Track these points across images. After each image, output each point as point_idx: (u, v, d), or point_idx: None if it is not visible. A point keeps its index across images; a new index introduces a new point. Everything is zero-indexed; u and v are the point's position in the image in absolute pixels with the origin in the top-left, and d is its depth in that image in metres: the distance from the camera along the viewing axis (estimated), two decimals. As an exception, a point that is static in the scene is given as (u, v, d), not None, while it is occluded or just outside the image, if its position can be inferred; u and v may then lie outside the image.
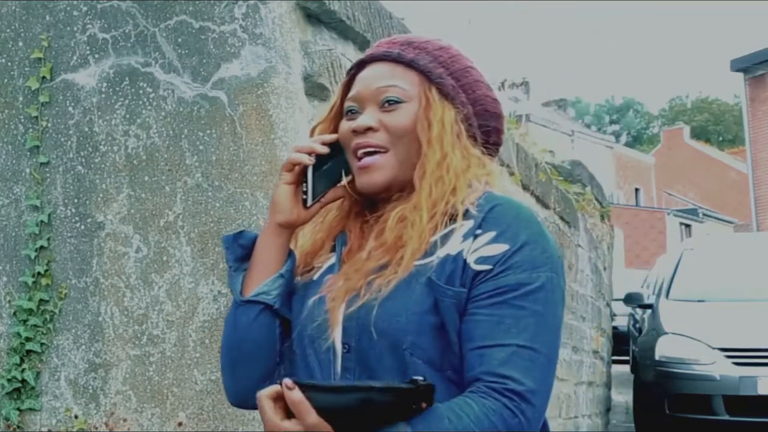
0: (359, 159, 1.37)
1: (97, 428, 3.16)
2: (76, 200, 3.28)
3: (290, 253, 1.42)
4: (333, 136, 1.42)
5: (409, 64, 1.39)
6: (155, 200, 3.18)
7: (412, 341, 1.26)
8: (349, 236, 1.41)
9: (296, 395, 1.15)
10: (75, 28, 3.33)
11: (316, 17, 3.33)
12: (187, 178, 3.15)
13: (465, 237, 1.29)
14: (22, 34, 3.40)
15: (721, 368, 6.73)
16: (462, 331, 1.26)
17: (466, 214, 1.31)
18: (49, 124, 3.34)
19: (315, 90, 3.27)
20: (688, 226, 29.87)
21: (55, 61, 3.35)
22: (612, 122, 67.08)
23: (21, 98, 3.38)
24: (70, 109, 3.31)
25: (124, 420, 3.14)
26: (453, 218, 1.32)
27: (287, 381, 1.16)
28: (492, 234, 1.28)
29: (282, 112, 3.10)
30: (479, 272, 1.26)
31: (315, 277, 1.41)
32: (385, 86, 1.38)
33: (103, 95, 3.27)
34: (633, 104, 68.42)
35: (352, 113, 1.40)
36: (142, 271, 3.18)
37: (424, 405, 1.18)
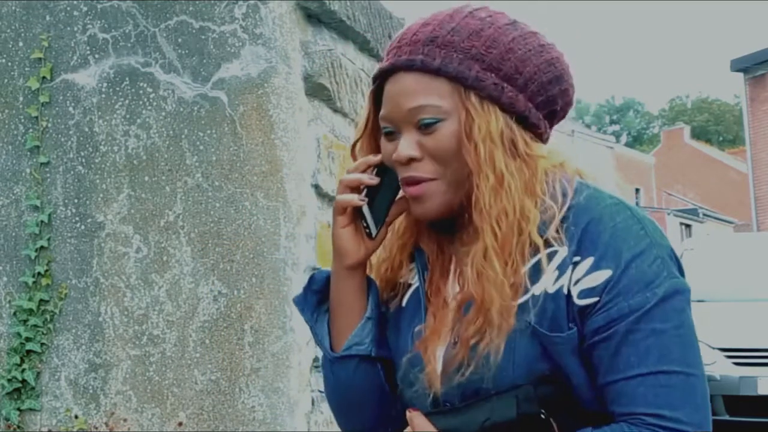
0: (407, 185, 1.22)
1: (97, 428, 3.16)
2: (76, 200, 3.28)
3: (370, 285, 1.30)
4: (377, 158, 1.26)
5: (437, 73, 1.19)
6: (155, 200, 3.18)
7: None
8: (427, 259, 1.28)
9: (416, 416, 1.15)
10: (75, 28, 3.33)
11: (316, 17, 3.34)
12: (187, 178, 3.15)
13: (561, 269, 1.13)
14: (22, 34, 3.41)
15: (721, 368, 6.72)
16: (592, 369, 1.13)
17: (548, 243, 1.15)
18: (49, 124, 3.34)
19: (315, 90, 3.27)
20: (688, 226, 29.86)
21: (55, 61, 3.35)
22: (612, 122, 67.10)
23: (21, 98, 3.38)
24: (70, 109, 3.31)
25: (124, 420, 3.14)
26: (536, 247, 1.15)
27: (409, 409, 1.16)
28: (590, 260, 1.12)
29: (282, 112, 3.10)
30: (585, 307, 1.11)
31: (403, 304, 1.30)
32: (416, 107, 1.19)
33: (103, 95, 3.27)
34: (633, 104, 68.44)
35: (390, 134, 1.23)
36: (142, 271, 3.18)
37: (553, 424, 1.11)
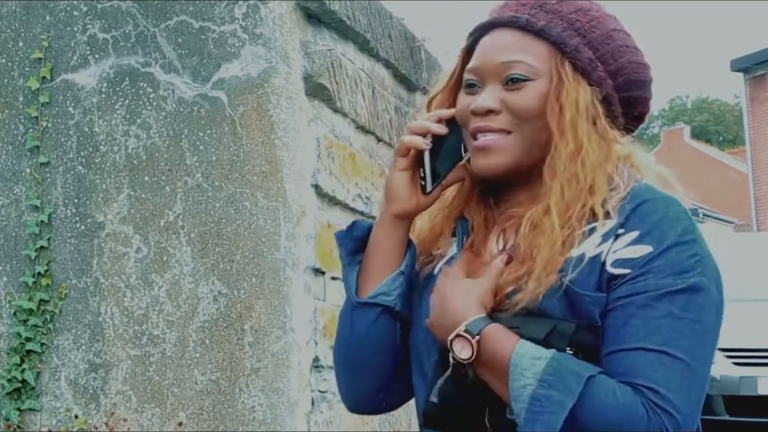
0: (476, 139, 1.20)
1: (97, 428, 3.16)
2: (76, 200, 3.28)
3: (409, 244, 1.28)
4: (450, 112, 1.25)
5: (539, 34, 1.19)
6: (155, 200, 3.18)
7: None
8: (471, 225, 1.27)
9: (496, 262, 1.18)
10: (75, 28, 3.33)
11: (316, 17, 3.33)
12: (187, 178, 3.15)
13: (605, 237, 1.13)
14: (22, 34, 3.41)
15: (721, 368, 6.72)
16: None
17: (608, 215, 1.15)
18: (49, 124, 3.34)
19: (315, 90, 3.27)
20: (688, 226, 29.80)
21: (55, 61, 3.35)
22: (612, 122, 67.03)
23: (21, 98, 3.38)
24: (70, 109, 3.31)
25: (124, 420, 3.14)
26: (594, 218, 1.15)
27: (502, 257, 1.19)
28: (634, 234, 1.12)
29: (282, 112, 3.10)
30: (616, 276, 1.11)
31: (435, 271, 1.28)
32: (509, 61, 1.19)
33: (103, 95, 3.27)
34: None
35: (472, 87, 1.22)
36: (142, 271, 3.17)
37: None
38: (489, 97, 1.19)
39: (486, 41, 1.23)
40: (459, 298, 1.15)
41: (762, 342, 6.76)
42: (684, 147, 38.15)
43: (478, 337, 1.11)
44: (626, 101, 1.24)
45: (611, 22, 1.24)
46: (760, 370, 6.64)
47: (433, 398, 1.16)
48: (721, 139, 55.22)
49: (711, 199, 35.74)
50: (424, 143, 1.23)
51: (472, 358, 1.11)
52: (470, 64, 1.23)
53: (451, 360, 1.13)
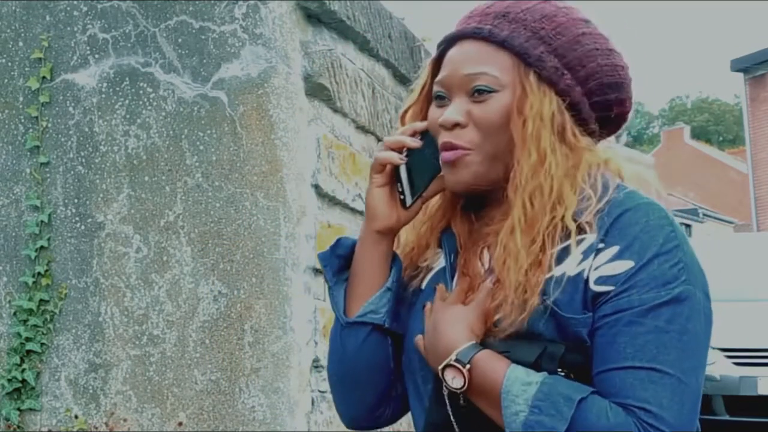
0: (444, 150, 1.20)
1: (97, 428, 3.16)
2: (76, 200, 3.28)
3: (394, 259, 1.27)
4: (424, 124, 1.24)
5: (502, 45, 1.19)
6: (155, 200, 3.18)
7: None
8: (458, 240, 1.25)
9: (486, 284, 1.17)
10: (75, 28, 3.33)
11: (316, 17, 3.33)
12: (187, 178, 3.15)
13: (586, 254, 1.11)
14: (22, 34, 3.41)
15: (721, 368, 6.72)
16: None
17: (585, 229, 1.13)
18: (49, 124, 3.34)
19: (315, 90, 3.27)
20: (688, 226, 29.85)
21: (55, 61, 3.35)
22: (612, 122, 66.95)
23: (21, 98, 3.38)
24: (70, 109, 3.31)
25: (124, 420, 3.14)
26: (567, 232, 1.13)
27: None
28: (615, 249, 1.10)
29: (282, 112, 3.10)
30: (599, 294, 1.09)
31: (423, 285, 1.28)
32: (473, 73, 1.18)
33: (103, 95, 3.27)
34: (633, 104, 68.35)
35: (441, 99, 1.22)
36: (142, 271, 3.17)
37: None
38: (455, 110, 1.19)
39: (452, 53, 1.22)
40: (450, 325, 1.14)
41: (762, 342, 6.75)
42: (684, 147, 38.14)
43: (468, 366, 1.10)
44: (601, 105, 1.22)
45: (580, 26, 1.22)
46: (760, 370, 6.64)
47: (431, 429, 1.16)
48: (721, 139, 55.21)
49: (711, 199, 35.73)
50: (399, 158, 1.23)
51: (465, 387, 1.11)
52: (438, 77, 1.23)
53: (444, 390, 1.13)
